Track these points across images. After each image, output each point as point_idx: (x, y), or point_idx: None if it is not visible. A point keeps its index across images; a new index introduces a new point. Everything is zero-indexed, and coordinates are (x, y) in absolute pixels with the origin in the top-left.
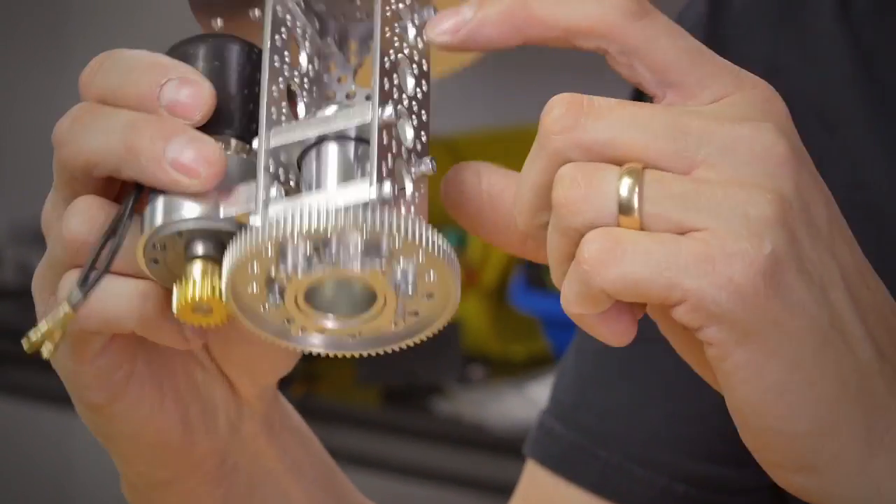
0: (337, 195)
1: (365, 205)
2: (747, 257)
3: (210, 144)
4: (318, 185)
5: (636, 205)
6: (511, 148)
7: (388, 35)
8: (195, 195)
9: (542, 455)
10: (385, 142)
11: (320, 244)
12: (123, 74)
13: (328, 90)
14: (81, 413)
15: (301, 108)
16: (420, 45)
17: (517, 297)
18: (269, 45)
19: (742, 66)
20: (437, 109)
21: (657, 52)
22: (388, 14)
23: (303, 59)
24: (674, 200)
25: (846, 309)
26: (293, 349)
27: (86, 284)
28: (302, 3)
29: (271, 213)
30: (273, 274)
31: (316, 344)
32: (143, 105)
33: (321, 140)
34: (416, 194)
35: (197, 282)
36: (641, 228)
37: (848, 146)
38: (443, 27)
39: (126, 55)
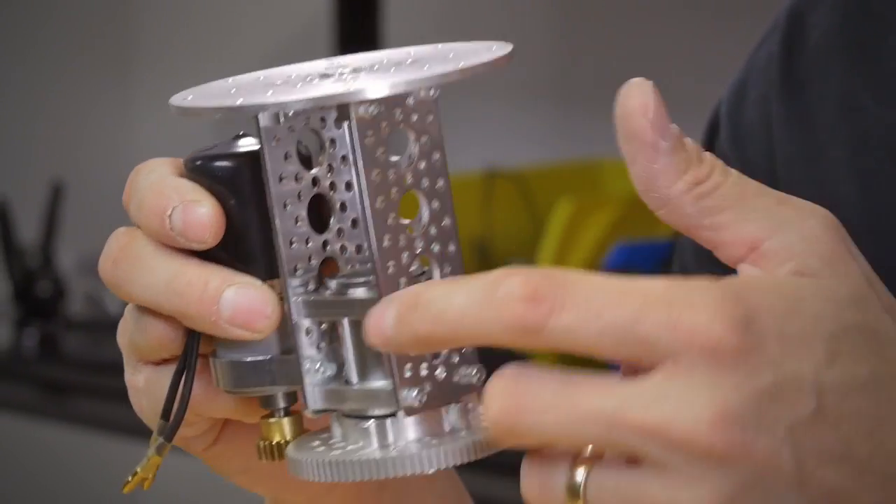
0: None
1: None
2: None
3: (259, 293)
4: (348, 381)
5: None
6: (578, 182)
7: (375, 177)
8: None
9: None
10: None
11: None
12: (139, 203)
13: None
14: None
15: (333, 219)
16: (434, 158)
17: None
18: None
19: (818, 105)
20: (505, 144)
21: (572, 348)
22: (369, 142)
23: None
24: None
25: None
26: None
27: (168, 430)
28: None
29: (303, 456)
30: None
31: None
32: (162, 239)
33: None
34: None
35: (273, 443)
36: None
37: None
38: (372, 339)
39: (141, 177)
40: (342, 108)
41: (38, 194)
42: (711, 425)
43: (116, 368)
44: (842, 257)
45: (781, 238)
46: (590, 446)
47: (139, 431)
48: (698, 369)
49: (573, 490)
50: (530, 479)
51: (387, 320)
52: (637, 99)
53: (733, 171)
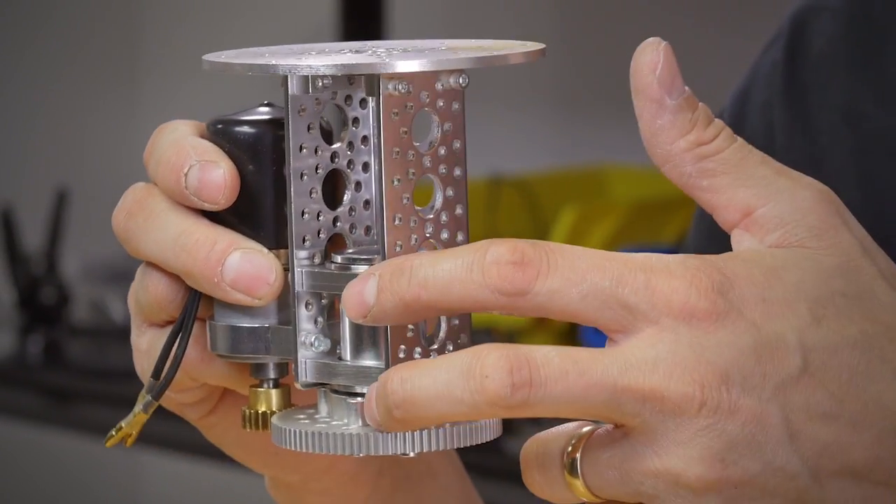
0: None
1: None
2: None
3: (265, 259)
4: (340, 357)
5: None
6: (583, 188)
7: (395, 157)
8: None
9: None
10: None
11: None
12: (158, 159)
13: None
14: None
15: (347, 197)
16: (454, 145)
17: (588, 337)
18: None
19: (822, 111)
20: (509, 151)
21: (556, 312)
22: (395, 118)
23: (340, 145)
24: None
25: None
26: None
27: (157, 388)
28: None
29: (291, 426)
30: None
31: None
32: (176, 196)
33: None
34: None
35: (258, 412)
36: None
37: None
38: (350, 311)
39: (163, 135)
40: (371, 84)
41: (42, 201)
42: (700, 387)
43: (121, 375)
44: (832, 228)
45: (773, 207)
46: (584, 428)
47: (144, 438)
48: (681, 333)
49: (571, 468)
50: (530, 468)
51: (368, 291)
52: (648, 56)
53: (739, 139)
